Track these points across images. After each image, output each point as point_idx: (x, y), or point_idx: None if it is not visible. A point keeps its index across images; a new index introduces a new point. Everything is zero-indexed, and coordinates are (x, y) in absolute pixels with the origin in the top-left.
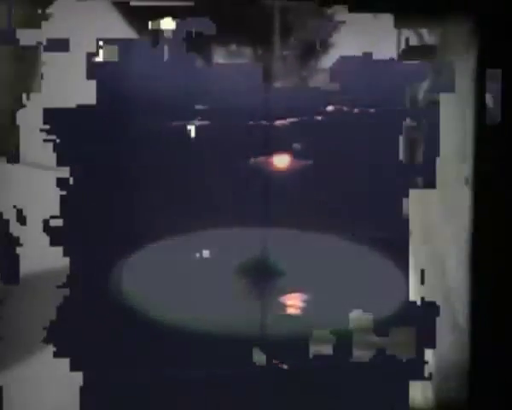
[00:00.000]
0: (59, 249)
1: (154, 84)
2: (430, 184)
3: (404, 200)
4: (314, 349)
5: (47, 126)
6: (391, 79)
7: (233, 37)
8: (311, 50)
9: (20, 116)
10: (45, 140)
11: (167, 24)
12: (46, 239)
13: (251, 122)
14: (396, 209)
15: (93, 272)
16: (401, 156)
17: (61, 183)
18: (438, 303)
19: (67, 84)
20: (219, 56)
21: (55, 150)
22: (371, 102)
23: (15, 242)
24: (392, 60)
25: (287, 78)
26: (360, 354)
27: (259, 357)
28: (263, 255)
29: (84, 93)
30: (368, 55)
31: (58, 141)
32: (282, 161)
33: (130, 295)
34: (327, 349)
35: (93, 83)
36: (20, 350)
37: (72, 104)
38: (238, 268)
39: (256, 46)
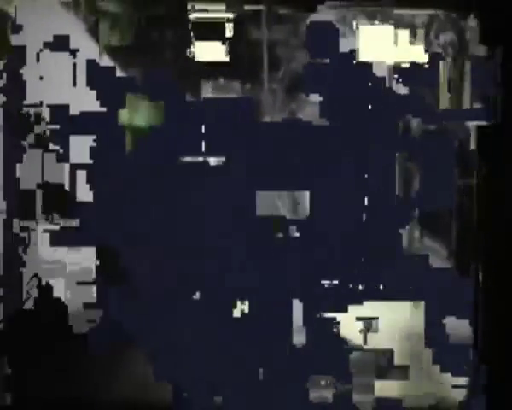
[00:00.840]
0: None
1: None
2: (428, 214)
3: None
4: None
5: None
6: (383, 110)
7: (221, 71)
8: (299, 84)
9: None
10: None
11: None
12: None
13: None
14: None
15: None
16: (397, 188)
17: None
18: None
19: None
20: (207, 91)
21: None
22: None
23: None
24: (388, 89)
25: (276, 112)
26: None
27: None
28: None
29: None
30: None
31: None
32: None
33: None
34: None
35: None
36: None
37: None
38: None
39: (245, 80)
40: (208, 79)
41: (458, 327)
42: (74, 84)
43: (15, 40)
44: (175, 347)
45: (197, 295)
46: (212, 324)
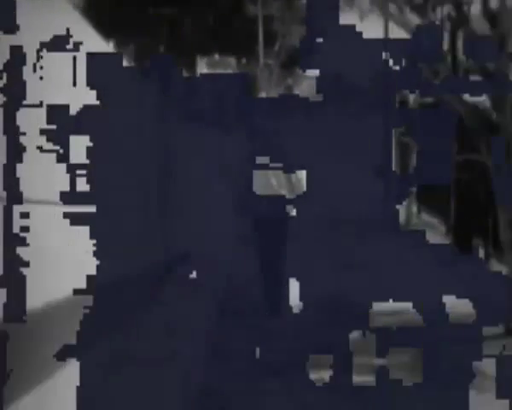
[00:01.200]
0: None
1: None
2: (426, 189)
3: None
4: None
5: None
6: (381, 85)
7: (216, 46)
8: (296, 58)
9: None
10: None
11: None
12: None
13: None
14: None
15: None
16: (393, 164)
17: None
18: None
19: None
20: (203, 66)
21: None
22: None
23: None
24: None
25: (272, 87)
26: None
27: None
28: None
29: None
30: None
31: None
32: None
33: None
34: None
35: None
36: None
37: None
38: None
39: (240, 55)
40: (203, 54)
41: (457, 305)
42: (74, 83)
43: (14, 40)
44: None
45: (194, 274)
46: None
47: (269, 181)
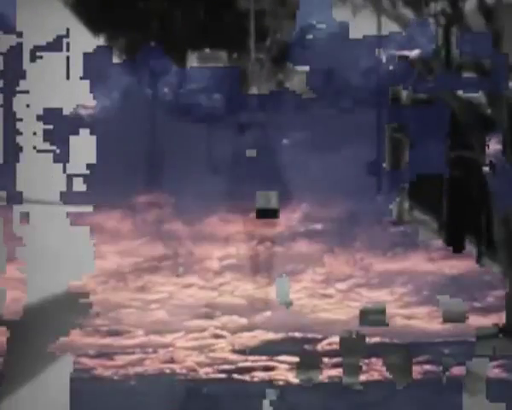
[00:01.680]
0: None
1: None
2: (418, 185)
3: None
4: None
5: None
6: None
7: (207, 40)
8: (287, 53)
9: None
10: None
11: None
12: None
13: None
14: None
15: None
16: (385, 160)
17: None
18: None
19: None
20: (193, 60)
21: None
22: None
23: None
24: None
25: (263, 82)
26: (350, 381)
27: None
28: None
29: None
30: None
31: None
32: None
33: None
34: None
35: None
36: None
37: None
38: None
39: (231, 49)
40: (194, 49)
41: (450, 305)
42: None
43: (14, 40)
44: None
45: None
46: None
47: (269, 202)
